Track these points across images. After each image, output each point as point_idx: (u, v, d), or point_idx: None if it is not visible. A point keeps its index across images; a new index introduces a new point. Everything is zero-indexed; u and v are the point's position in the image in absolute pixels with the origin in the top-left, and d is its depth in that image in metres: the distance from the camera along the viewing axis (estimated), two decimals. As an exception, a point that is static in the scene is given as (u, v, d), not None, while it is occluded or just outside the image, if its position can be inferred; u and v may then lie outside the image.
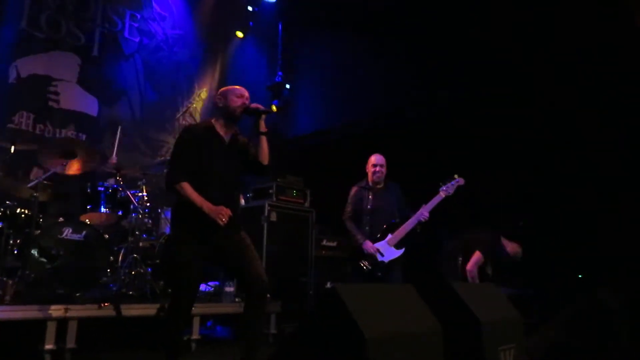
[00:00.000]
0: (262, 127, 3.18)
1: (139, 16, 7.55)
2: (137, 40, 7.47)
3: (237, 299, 5.07)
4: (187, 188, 2.94)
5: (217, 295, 5.20)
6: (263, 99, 8.20)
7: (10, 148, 4.68)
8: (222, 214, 2.88)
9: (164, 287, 4.76)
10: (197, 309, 4.53)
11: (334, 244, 6.27)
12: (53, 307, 3.65)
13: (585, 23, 5.01)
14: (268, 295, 3.27)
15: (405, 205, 4.54)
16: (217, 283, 5.67)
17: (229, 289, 5.01)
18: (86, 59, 6.79)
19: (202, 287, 5.33)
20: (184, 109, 7.38)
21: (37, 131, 6.10)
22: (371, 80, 7.05)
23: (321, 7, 7.51)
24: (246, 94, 3.21)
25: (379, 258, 4.28)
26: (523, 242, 5.01)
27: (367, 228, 4.44)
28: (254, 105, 3.17)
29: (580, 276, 5.17)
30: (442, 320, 2.61)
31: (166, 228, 6.06)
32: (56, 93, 6.44)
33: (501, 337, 2.86)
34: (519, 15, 5.53)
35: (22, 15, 6.26)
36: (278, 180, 6.13)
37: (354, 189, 4.66)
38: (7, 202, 4.40)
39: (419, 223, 4.29)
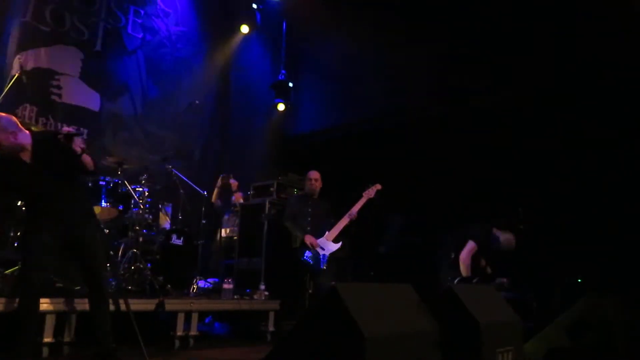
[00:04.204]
0: (78, 149, 3.37)
1: (142, 12, 7.55)
2: (140, 36, 7.47)
3: (236, 296, 5.08)
4: None
5: (216, 292, 5.21)
6: (266, 97, 8.22)
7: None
8: None
9: (163, 282, 4.77)
10: (196, 305, 4.53)
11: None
12: (52, 300, 3.65)
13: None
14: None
15: (332, 214, 5.22)
16: (216, 280, 5.68)
17: (228, 286, 5.01)
18: (89, 54, 6.80)
19: (202, 283, 5.34)
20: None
21: (40, 124, 6.10)
22: (374, 79, 7.05)
23: (326, 6, 7.51)
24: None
25: (321, 252, 4.90)
26: (519, 237, 5.03)
27: (308, 229, 5.05)
28: (65, 129, 3.38)
29: (579, 280, 5.17)
30: (441, 322, 2.61)
31: (166, 224, 6.08)
32: (59, 87, 6.45)
33: (499, 339, 2.87)
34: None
35: (27, 8, 6.27)
36: (279, 178, 6.14)
37: (294, 198, 5.43)
38: (9, 194, 4.40)
39: (351, 221, 4.99)
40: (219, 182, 6.45)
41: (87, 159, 3.41)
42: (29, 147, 3.29)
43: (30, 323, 3.19)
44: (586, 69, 5.13)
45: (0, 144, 3.19)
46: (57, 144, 3.33)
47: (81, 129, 6.52)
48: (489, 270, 5.12)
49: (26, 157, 3.30)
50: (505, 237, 4.95)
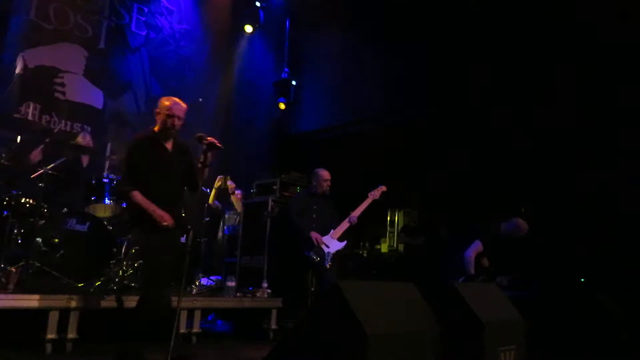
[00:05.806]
0: (210, 159, 3.43)
1: (146, 10, 7.55)
2: (143, 33, 7.48)
3: (238, 294, 5.09)
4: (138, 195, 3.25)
5: (218, 290, 5.21)
6: (269, 95, 8.21)
7: (17, 138, 4.70)
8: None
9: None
10: (199, 302, 4.54)
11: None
12: (56, 297, 3.66)
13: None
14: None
15: (337, 212, 5.26)
16: (219, 277, 5.69)
17: (231, 283, 5.02)
18: (93, 52, 6.81)
19: (204, 281, 5.35)
20: None
21: (43, 122, 6.12)
22: (376, 78, 7.05)
23: (329, 5, 7.51)
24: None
25: (325, 249, 4.91)
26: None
27: (313, 225, 5.04)
28: (210, 139, 3.42)
29: (582, 279, 5.16)
30: (444, 320, 2.61)
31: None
32: (62, 85, 6.46)
33: (502, 338, 2.86)
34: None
35: (30, 6, 6.28)
36: (282, 176, 6.14)
37: (301, 193, 5.39)
38: (13, 191, 4.42)
39: (351, 226, 5.02)
40: (217, 183, 6.44)
41: (204, 175, 3.45)
42: (172, 140, 3.43)
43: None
44: (585, 70, 5.12)
45: (175, 126, 3.42)
46: (191, 152, 3.46)
47: (84, 126, 6.54)
48: (491, 269, 5.11)
49: (169, 146, 3.43)
50: (514, 224, 4.94)
